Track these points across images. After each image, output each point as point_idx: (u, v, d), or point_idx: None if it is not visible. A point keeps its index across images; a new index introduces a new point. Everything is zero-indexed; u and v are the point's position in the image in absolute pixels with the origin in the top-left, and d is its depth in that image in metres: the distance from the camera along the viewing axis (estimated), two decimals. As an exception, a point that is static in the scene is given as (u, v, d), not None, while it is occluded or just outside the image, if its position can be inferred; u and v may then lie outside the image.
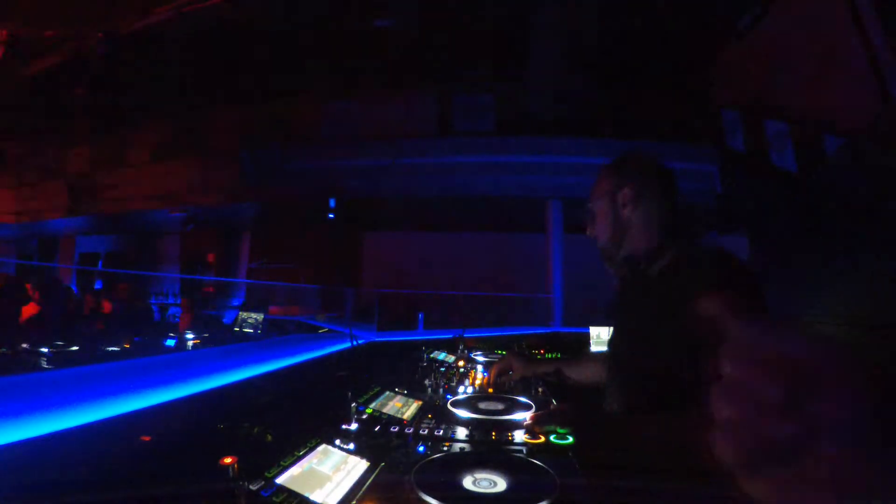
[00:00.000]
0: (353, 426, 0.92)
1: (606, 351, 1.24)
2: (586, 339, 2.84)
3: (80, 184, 9.27)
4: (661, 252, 1.08)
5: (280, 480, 0.66)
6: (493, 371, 1.42)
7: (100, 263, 11.48)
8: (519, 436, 0.90)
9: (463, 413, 1.05)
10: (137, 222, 9.78)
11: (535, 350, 2.39)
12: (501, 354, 1.85)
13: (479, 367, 1.65)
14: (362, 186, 7.30)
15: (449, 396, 1.21)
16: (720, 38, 6.31)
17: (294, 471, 0.70)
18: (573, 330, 5.13)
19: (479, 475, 0.70)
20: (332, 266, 10.03)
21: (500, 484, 0.68)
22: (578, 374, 1.47)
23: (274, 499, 0.62)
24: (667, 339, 0.98)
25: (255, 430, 0.84)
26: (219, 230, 9.94)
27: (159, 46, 6.43)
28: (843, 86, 4.65)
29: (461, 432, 0.93)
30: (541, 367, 1.44)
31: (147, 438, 0.89)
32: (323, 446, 0.79)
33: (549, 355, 2.31)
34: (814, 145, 5.04)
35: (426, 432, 0.93)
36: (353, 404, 0.96)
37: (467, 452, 0.83)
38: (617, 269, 1.16)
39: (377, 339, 3.13)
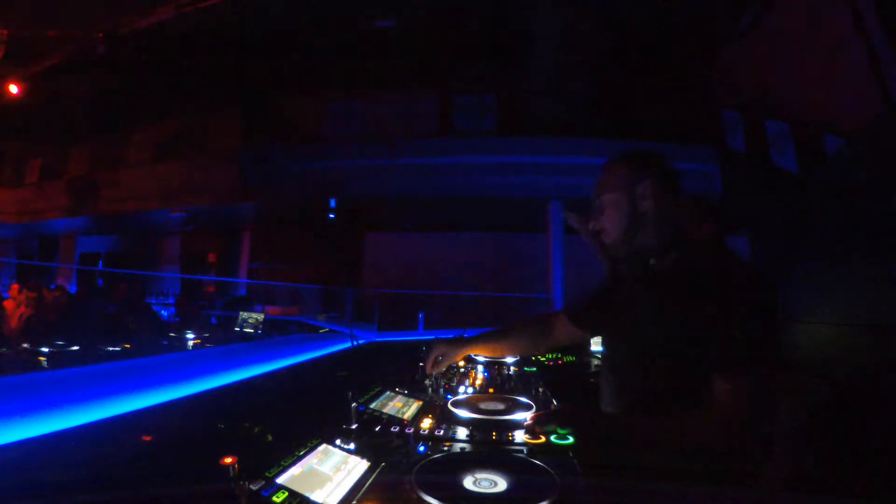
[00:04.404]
0: (354, 426, 0.91)
1: (602, 350, 1.24)
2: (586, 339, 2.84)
3: (80, 184, 9.27)
4: (670, 248, 1.07)
5: (280, 480, 0.66)
6: (429, 363, 1.36)
7: (100, 263, 11.48)
8: (519, 436, 0.90)
9: (463, 413, 1.05)
10: (137, 222, 9.77)
11: None
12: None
13: (480, 368, 1.65)
14: (362, 186, 7.30)
15: (449, 396, 1.21)
16: (720, 38, 6.30)
17: (294, 471, 0.70)
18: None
19: (480, 475, 0.70)
20: (332, 266, 10.02)
21: (501, 484, 0.68)
22: (510, 347, 1.49)
23: (274, 499, 0.62)
24: (669, 338, 0.98)
25: (256, 430, 0.84)
26: (219, 230, 9.94)
27: (159, 46, 6.42)
28: (843, 86, 4.65)
29: (462, 432, 0.93)
30: (467, 347, 1.41)
31: (147, 438, 0.89)
32: (323, 446, 0.79)
33: (549, 355, 2.30)
34: (814, 145, 5.04)
35: (426, 432, 0.93)
36: (354, 404, 0.96)
37: (468, 452, 0.83)
38: (620, 265, 1.14)
39: (378, 339, 3.13)
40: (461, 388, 1.31)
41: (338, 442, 0.81)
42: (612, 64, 6.73)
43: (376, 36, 6.55)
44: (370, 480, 0.70)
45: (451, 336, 1.53)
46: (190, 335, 2.85)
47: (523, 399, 1.17)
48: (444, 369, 1.39)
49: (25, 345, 2.08)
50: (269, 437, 0.82)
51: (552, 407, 1.15)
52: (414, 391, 1.27)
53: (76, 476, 0.72)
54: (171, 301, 8.78)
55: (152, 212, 8.69)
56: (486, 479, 0.69)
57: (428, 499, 0.63)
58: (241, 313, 3.30)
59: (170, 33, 6.12)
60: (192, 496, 0.62)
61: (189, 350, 2.62)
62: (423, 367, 1.37)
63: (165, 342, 2.70)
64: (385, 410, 1.07)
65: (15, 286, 4.22)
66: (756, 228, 6.04)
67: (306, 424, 0.89)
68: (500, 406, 1.10)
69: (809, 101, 5.14)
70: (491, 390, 1.31)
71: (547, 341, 1.48)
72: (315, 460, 0.74)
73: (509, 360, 1.75)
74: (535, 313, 7.07)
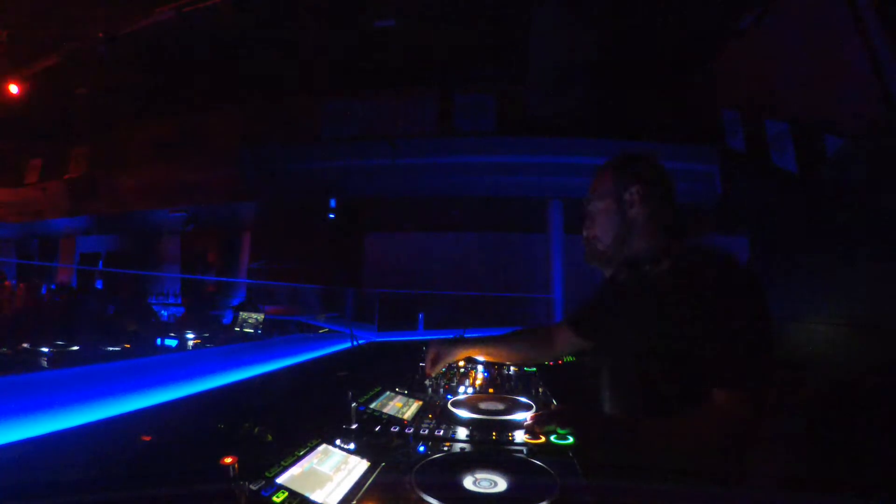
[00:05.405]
0: (354, 426, 0.92)
1: (602, 355, 1.23)
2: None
3: (80, 184, 9.28)
4: (664, 254, 1.06)
5: (280, 480, 0.66)
6: (427, 364, 1.37)
7: (100, 263, 11.48)
8: (519, 436, 0.90)
9: (463, 413, 1.05)
10: (137, 222, 9.78)
11: None
12: None
13: (480, 368, 1.65)
14: (362, 186, 7.30)
15: (449, 396, 1.21)
16: (720, 38, 6.30)
17: (294, 471, 0.70)
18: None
19: (480, 475, 0.70)
20: (332, 266, 10.02)
21: (501, 484, 0.68)
22: (509, 353, 1.47)
23: (274, 499, 0.62)
24: (667, 344, 0.97)
25: (256, 430, 0.84)
26: (219, 230, 9.95)
27: (159, 46, 6.43)
28: (843, 86, 4.65)
29: (461, 432, 0.93)
30: (465, 349, 1.40)
31: (147, 438, 0.89)
32: (323, 446, 0.79)
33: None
34: (814, 145, 5.04)
35: (426, 432, 0.92)
36: (354, 404, 0.96)
37: (468, 452, 0.83)
38: (614, 271, 1.13)
39: (378, 339, 3.13)
40: (461, 388, 1.31)
41: (338, 442, 0.81)
42: (612, 64, 6.73)
43: (376, 36, 6.55)
44: (370, 480, 0.70)
45: (450, 336, 1.53)
46: (190, 335, 2.85)
47: (523, 399, 1.17)
48: (442, 370, 1.39)
49: (25, 345, 2.08)
50: (269, 437, 0.82)
51: (552, 407, 1.15)
52: (414, 391, 1.27)
53: (76, 476, 0.72)
54: (171, 301, 8.80)
55: (152, 212, 8.70)
56: (486, 479, 0.69)
57: (428, 499, 0.63)
58: (241, 313, 3.30)
59: (170, 33, 6.12)
60: (192, 496, 0.62)
61: (189, 350, 2.62)
62: (424, 368, 1.37)
63: (166, 342, 2.70)
64: (385, 410, 1.07)
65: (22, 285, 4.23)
66: (756, 228, 6.04)
67: (306, 424, 0.89)
68: (500, 406, 1.10)
69: (809, 101, 5.14)
70: (491, 390, 1.31)
71: (548, 350, 1.47)
72: (315, 460, 0.74)
73: None
74: (534, 313, 7.05)
